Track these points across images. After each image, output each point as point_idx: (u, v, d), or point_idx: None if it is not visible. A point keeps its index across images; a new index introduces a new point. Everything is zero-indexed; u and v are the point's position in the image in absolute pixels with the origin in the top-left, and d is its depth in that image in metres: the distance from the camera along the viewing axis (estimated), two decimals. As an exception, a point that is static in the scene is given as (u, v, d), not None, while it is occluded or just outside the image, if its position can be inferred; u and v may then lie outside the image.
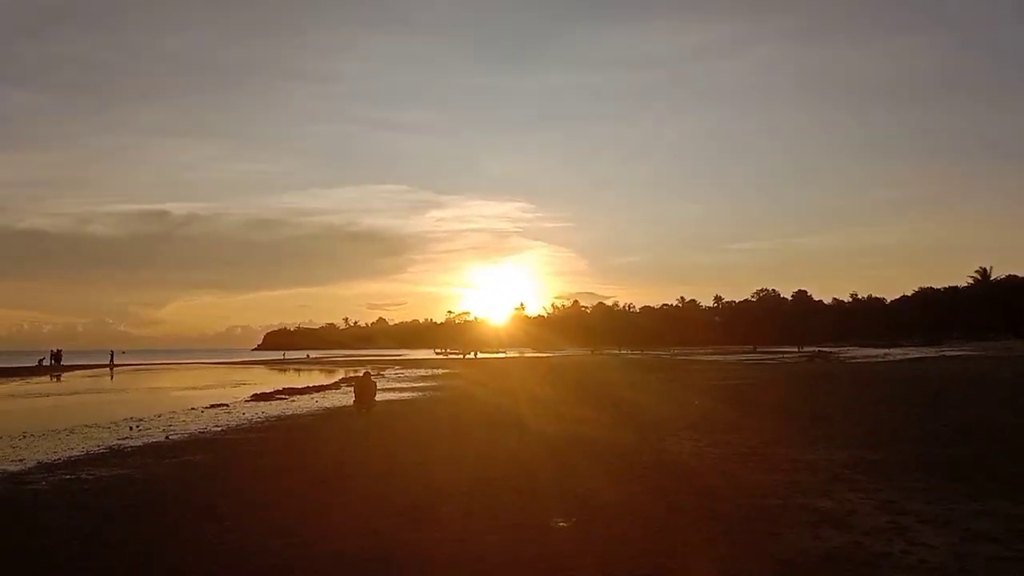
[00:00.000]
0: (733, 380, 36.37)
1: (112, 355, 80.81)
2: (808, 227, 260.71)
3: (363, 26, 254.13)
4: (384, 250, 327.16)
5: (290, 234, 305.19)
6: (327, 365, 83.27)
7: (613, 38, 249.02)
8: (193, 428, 19.49)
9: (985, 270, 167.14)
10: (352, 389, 24.02)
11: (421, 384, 38.46)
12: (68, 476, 12.04)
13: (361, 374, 22.06)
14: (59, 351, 73.99)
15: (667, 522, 7.85)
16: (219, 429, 19.11)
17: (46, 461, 13.87)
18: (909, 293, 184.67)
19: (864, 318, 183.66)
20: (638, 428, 16.31)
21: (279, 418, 21.77)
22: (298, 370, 70.26)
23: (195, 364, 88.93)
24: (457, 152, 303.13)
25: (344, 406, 25.32)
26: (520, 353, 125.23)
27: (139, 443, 16.44)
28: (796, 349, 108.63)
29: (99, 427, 20.03)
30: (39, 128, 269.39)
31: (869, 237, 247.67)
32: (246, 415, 23.01)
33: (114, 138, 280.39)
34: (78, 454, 14.82)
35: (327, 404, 26.84)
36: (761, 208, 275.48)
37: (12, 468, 13.15)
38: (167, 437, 17.48)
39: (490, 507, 8.71)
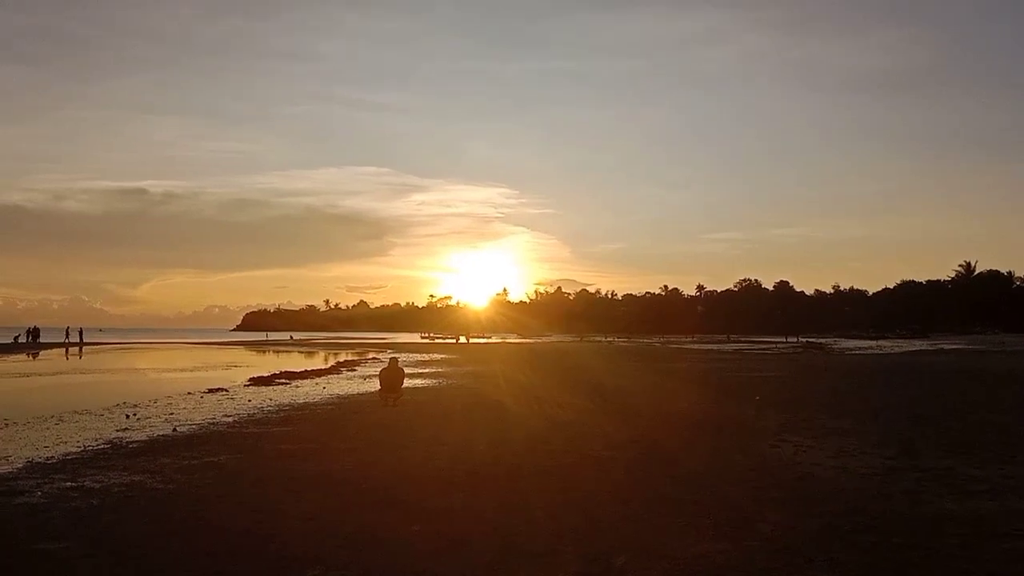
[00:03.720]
0: (755, 372, 34.43)
1: (81, 332, 76.91)
2: (787, 218, 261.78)
3: (347, 5, 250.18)
4: (365, 233, 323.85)
5: (269, 215, 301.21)
6: (313, 347, 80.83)
7: (597, 25, 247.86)
8: (199, 418, 17.07)
9: (969, 264, 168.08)
10: (377, 376, 21.77)
11: (428, 370, 36.08)
12: (68, 483, 9.62)
13: (387, 361, 19.88)
14: (36, 328, 70.82)
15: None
16: (230, 420, 16.70)
17: (38, 460, 11.41)
18: (891, 286, 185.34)
19: (846, 310, 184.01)
20: (738, 434, 14.13)
21: (292, 407, 19.36)
22: (285, 352, 67.77)
23: (176, 344, 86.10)
24: (440, 136, 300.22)
25: (359, 393, 23.08)
26: (503, 339, 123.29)
27: (144, 436, 14.00)
28: (785, 339, 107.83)
29: (91, 414, 17.55)
30: (14, 102, 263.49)
31: (850, 229, 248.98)
32: (252, 402, 20.61)
33: (91, 113, 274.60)
34: (74, 450, 12.37)
35: (337, 391, 24.46)
36: (741, 198, 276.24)
37: (-3, 469, 10.73)
38: (174, 429, 15.05)
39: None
